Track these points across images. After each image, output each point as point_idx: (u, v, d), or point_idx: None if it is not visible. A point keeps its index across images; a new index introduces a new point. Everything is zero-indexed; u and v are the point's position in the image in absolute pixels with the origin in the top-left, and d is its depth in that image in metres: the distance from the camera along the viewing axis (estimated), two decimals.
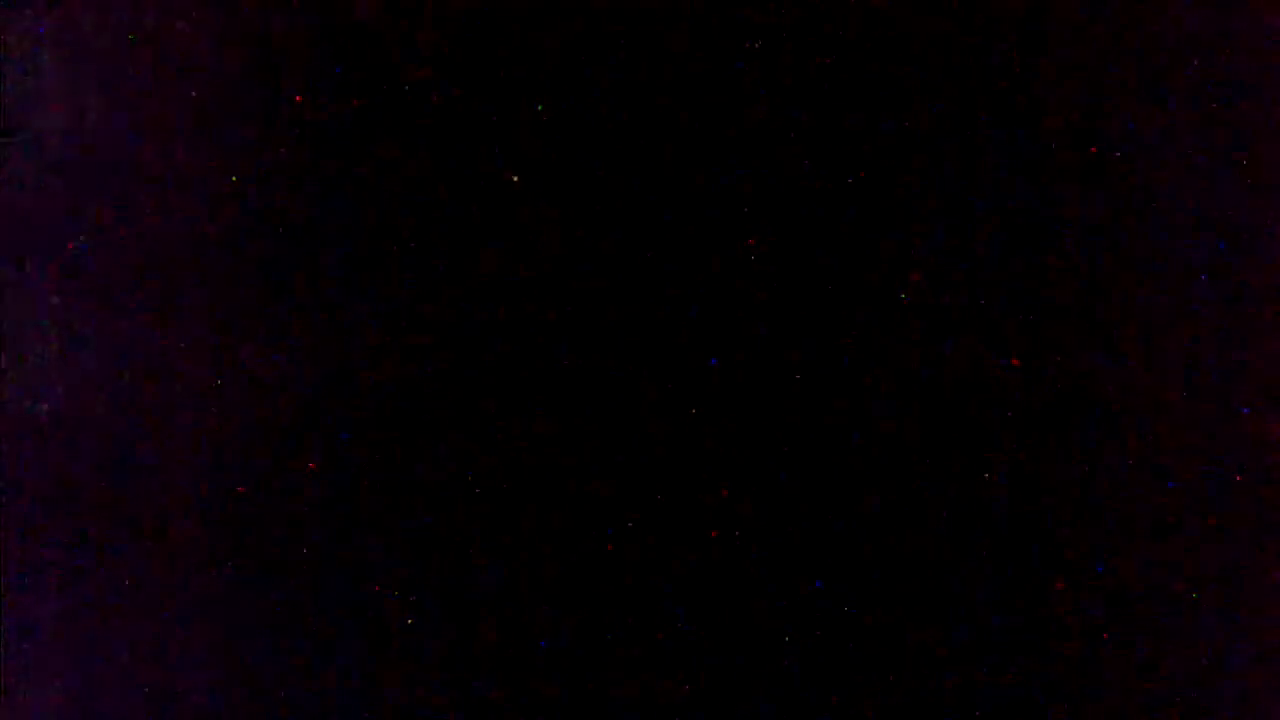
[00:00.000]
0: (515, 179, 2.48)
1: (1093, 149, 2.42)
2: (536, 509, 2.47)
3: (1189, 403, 2.40)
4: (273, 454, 2.50)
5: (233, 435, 2.51)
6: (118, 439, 2.53)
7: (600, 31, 2.47)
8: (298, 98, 2.51)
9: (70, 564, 2.54)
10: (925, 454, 2.43)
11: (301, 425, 2.50)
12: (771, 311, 2.45)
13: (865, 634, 2.43)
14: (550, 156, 2.48)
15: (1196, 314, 2.41)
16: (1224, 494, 2.40)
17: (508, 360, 2.47)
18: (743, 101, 2.45)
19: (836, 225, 2.45)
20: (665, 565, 2.45)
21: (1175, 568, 2.40)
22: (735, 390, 2.45)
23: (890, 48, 2.44)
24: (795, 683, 2.44)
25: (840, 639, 2.43)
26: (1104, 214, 2.42)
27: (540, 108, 2.47)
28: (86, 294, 2.54)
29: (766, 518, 2.44)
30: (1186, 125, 2.41)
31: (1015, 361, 2.42)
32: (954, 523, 2.42)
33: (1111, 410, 2.41)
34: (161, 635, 2.52)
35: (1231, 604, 2.40)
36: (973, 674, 2.42)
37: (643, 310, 2.46)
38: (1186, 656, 2.40)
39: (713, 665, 2.44)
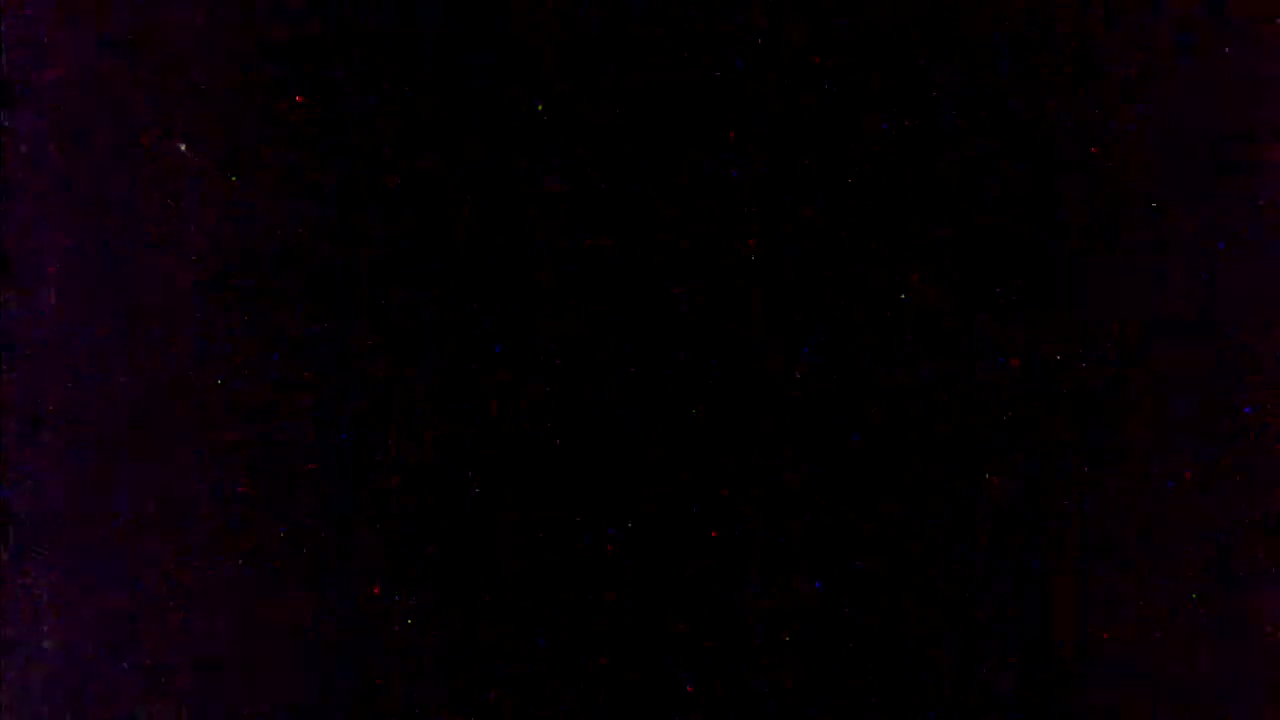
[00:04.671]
0: (515, 178, 2.48)
1: (1093, 149, 2.42)
2: (537, 509, 2.47)
3: (1189, 403, 2.40)
4: (273, 454, 2.50)
5: (233, 435, 2.51)
6: (117, 439, 2.52)
7: (600, 31, 2.47)
8: (298, 98, 2.51)
9: (69, 563, 2.54)
10: (925, 454, 2.43)
11: (301, 425, 2.50)
12: (771, 311, 2.45)
13: (865, 634, 2.43)
14: (550, 156, 2.48)
15: (1196, 314, 2.41)
16: (1224, 494, 2.40)
17: (508, 360, 2.47)
18: (743, 101, 2.45)
19: (836, 225, 2.45)
20: (665, 566, 2.45)
21: (1175, 568, 2.40)
22: (735, 390, 2.45)
23: (890, 47, 2.44)
24: (795, 683, 2.43)
25: (840, 639, 2.43)
26: (1104, 214, 2.42)
27: (540, 108, 2.47)
28: (86, 294, 2.54)
29: (766, 518, 2.44)
30: (1186, 125, 2.42)
31: (1015, 361, 2.42)
32: (954, 523, 2.42)
33: (1111, 410, 2.41)
34: (161, 634, 2.52)
35: (1231, 604, 2.40)
36: (972, 674, 2.42)
37: (642, 309, 2.46)
38: (1187, 657, 2.40)
39: (713, 665, 2.44)
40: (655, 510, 2.45)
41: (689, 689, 2.44)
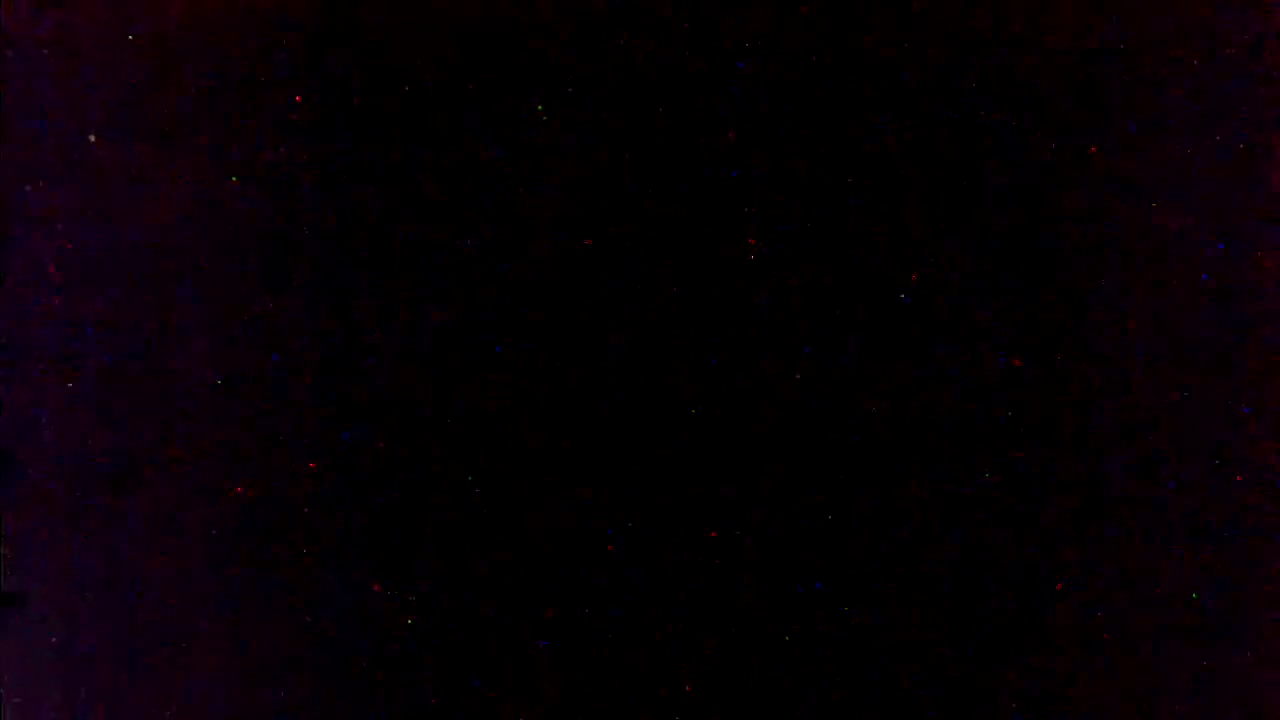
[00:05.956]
0: (516, 179, 2.48)
1: (1093, 149, 2.42)
2: (537, 509, 2.47)
3: (1189, 403, 2.40)
4: (273, 454, 2.50)
5: (233, 435, 2.51)
6: (118, 439, 2.52)
7: (601, 31, 2.47)
8: (298, 98, 2.51)
9: (70, 564, 2.54)
10: (925, 454, 2.43)
11: (301, 425, 2.50)
12: (772, 311, 2.45)
13: (865, 634, 2.43)
14: (550, 156, 2.48)
15: (1196, 314, 2.41)
16: (1224, 494, 2.40)
17: (508, 360, 2.47)
18: (743, 100, 2.45)
19: (837, 225, 2.45)
20: (665, 565, 2.45)
21: (1175, 568, 2.40)
22: (735, 390, 2.45)
23: (890, 47, 2.44)
24: (795, 683, 2.44)
25: (840, 639, 2.43)
26: (1104, 214, 2.42)
27: (540, 108, 2.47)
28: (87, 294, 2.54)
29: (766, 518, 2.44)
30: (1186, 125, 2.41)
31: (1016, 361, 2.42)
32: (954, 523, 2.42)
33: (1111, 410, 2.41)
34: (161, 635, 2.52)
35: (1231, 604, 2.40)
36: (973, 674, 2.42)
37: (643, 309, 2.46)
38: (1187, 656, 2.40)
39: (713, 665, 2.44)
40: (655, 510, 2.45)
41: (689, 689, 2.44)
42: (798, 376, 2.44)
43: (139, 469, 2.52)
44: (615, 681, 2.45)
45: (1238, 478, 2.40)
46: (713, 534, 2.45)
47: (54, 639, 2.54)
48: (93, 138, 2.16)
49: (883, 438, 2.43)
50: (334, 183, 2.50)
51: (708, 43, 2.46)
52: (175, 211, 2.53)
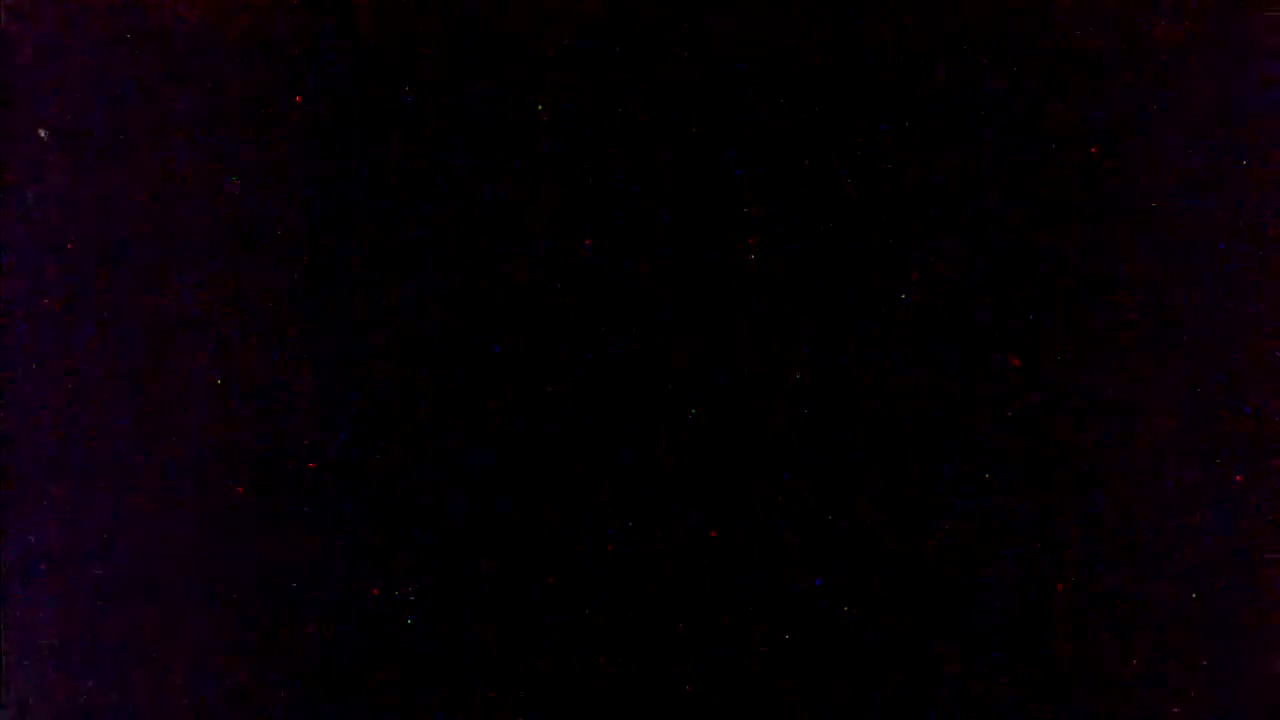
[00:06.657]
0: (515, 178, 2.48)
1: (1093, 149, 2.42)
2: (537, 509, 2.47)
3: (1189, 403, 2.40)
4: (273, 454, 2.50)
5: (233, 435, 2.51)
6: (117, 439, 2.53)
7: (600, 31, 2.47)
8: (298, 98, 2.51)
9: (69, 563, 2.54)
10: (925, 454, 2.43)
11: (301, 425, 2.50)
12: (771, 311, 2.45)
13: (865, 633, 2.43)
14: (550, 157, 2.48)
15: (1197, 313, 2.41)
16: (1224, 494, 2.40)
17: (508, 360, 2.47)
18: (743, 101, 2.45)
19: (837, 225, 2.45)
20: (665, 565, 2.45)
21: (1175, 568, 2.40)
22: (735, 389, 2.45)
23: (890, 47, 2.44)
24: (795, 683, 2.43)
25: (840, 639, 2.43)
26: (1104, 214, 2.42)
27: (540, 108, 2.47)
28: (86, 294, 2.54)
29: (766, 517, 2.44)
30: (1186, 125, 2.42)
31: (1015, 361, 2.42)
32: (954, 523, 2.42)
33: (1111, 410, 2.41)
34: (160, 635, 2.52)
35: (1231, 604, 2.40)
36: (972, 674, 2.42)
37: (643, 310, 2.46)
38: (1187, 656, 2.40)
39: (713, 665, 2.44)
40: (655, 510, 2.45)
41: (689, 689, 2.44)
42: (797, 375, 2.44)
43: (138, 469, 2.52)
44: (615, 681, 2.45)
45: (1238, 478, 2.40)
46: (713, 534, 2.45)
47: (52, 639, 2.54)
48: (43, 133, 2.15)
49: (882, 437, 2.43)
50: (334, 183, 2.50)
51: (708, 43, 2.46)
52: (175, 211, 2.53)
